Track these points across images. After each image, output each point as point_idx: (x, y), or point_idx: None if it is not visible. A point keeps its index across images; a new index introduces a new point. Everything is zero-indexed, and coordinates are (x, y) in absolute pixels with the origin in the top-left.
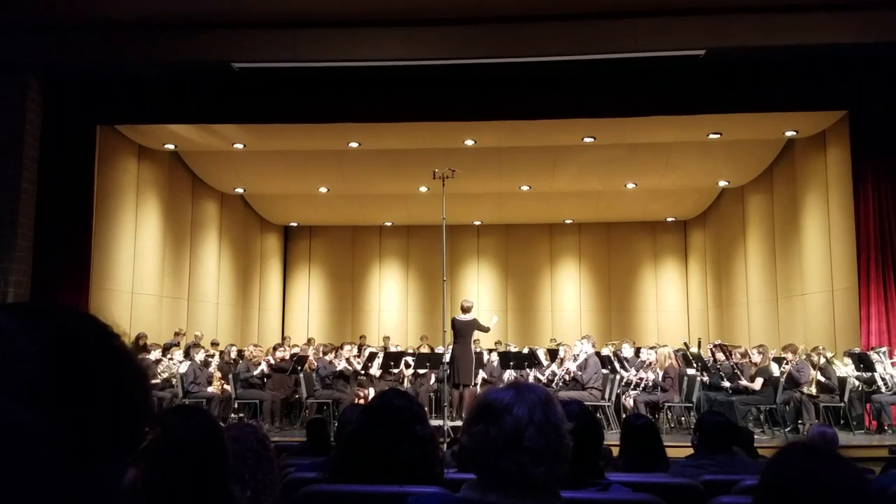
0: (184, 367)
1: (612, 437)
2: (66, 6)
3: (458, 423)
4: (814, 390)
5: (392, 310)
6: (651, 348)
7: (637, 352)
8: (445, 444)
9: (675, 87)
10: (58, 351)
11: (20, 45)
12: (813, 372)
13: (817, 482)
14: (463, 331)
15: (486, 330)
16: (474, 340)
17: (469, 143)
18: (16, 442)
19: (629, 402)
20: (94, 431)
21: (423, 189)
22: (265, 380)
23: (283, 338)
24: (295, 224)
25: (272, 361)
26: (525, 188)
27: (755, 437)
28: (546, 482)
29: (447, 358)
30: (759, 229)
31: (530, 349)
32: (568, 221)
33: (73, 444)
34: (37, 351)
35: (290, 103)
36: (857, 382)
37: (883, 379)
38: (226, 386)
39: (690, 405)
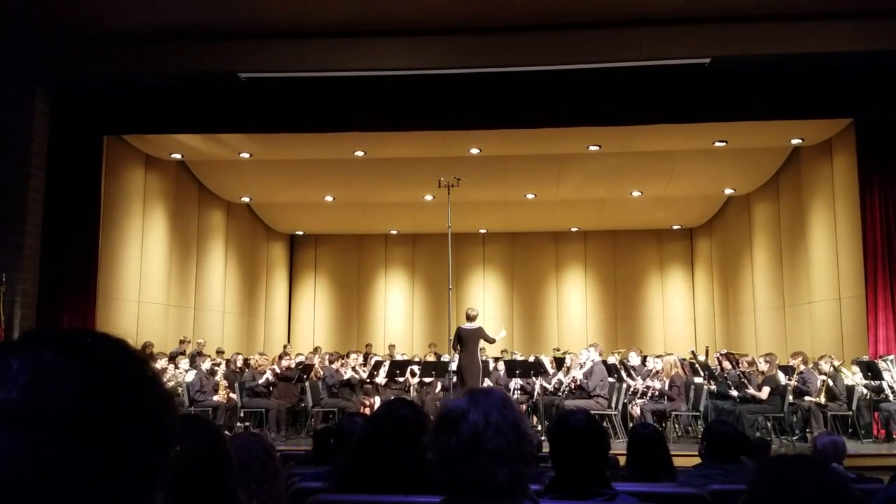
0: (190, 376)
1: (619, 447)
2: (73, 17)
3: None
4: (822, 399)
5: (398, 318)
6: (658, 357)
7: (644, 360)
8: None
9: (680, 95)
10: (96, 382)
11: (27, 56)
12: (820, 381)
13: (801, 491)
14: (468, 339)
15: (491, 341)
16: (480, 349)
17: (474, 151)
18: (61, 475)
19: (636, 411)
20: (129, 458)
21: (429, 197)
22: (271, 388)
23: (284, 346)
24: (301, 233)
25: (278, 370)
26: (530, 196)
27: None
28: (512, 483)
29: (453, 366)
30: (766, 237)
31: (536, 357)
32: (573, 229)
33: (111, 474)
34: (76, 382)
35: (295, 113)
36: (864, 391)
37: (891, 387)
38: (232, 395)
39: (698, 414)
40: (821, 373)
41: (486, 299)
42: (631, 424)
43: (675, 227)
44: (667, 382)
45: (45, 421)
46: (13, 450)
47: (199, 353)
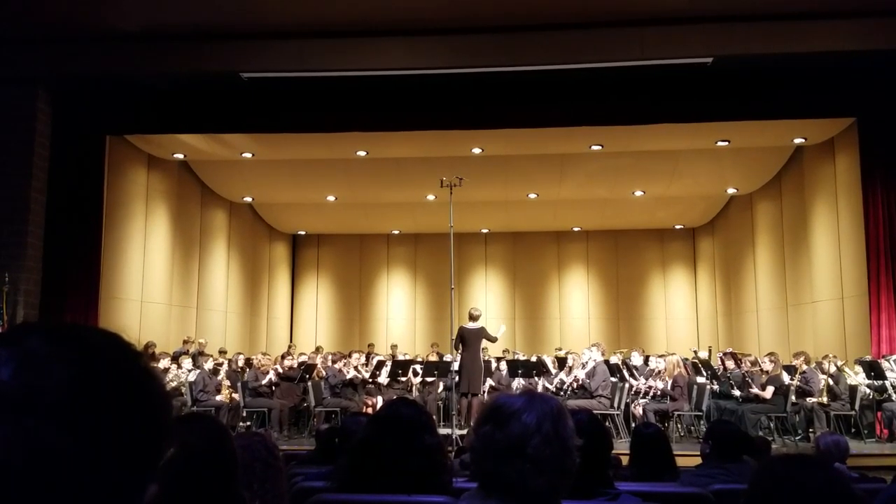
0: (193, 376)
1: (622, 446)
2: (75, 18)
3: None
4: (825, 399)
5: (400, 318)
6: (660, 356)
7: (646, 360)
8: (453, 453)
9: (682, 94)
10: (87, 371)
11: (30, 57)
12: (822, 381)
13: (802, 490)
14: (471, 339)
15: (493, 340)
16: (482, 349)
17: (476, 151)
18: (48, 463)
19: (638, 411)
20: (120, 451)
21: (431, 197)
22: (273, 388)
23: (289, 346)
24: (303, 232)
25: (280, 370)
26: (532, 196)
27: None
28: (547, 493)
29: (455, 366)
30: (768, 237)
31: (538, 357)
32: (576, 229)
33: (101, 464)
34: (66, 370)
35: (298, 113)
36: (867, 390)
37: (894, 386)
38: (234, 394)
39: (700, 414)
40: (823, 372)
41: (488, 299)
42: (633, 424)
43: (677, 227)
44: (669, 382)
45: (35, 409)
46: (2, 437)
47: (202, 353)
